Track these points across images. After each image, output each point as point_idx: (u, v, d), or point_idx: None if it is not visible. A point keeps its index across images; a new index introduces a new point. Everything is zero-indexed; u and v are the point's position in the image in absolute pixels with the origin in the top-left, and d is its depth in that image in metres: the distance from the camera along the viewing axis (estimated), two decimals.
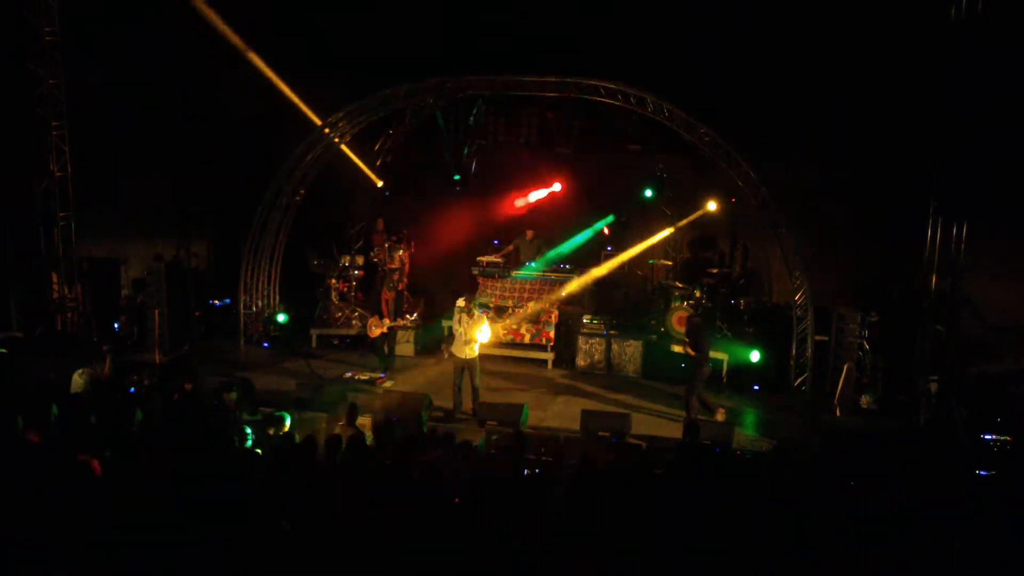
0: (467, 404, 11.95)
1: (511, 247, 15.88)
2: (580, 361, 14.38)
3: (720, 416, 11.81)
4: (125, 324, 14.89)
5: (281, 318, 15.45)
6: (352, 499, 6.32)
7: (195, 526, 5.53)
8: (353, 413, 9.66)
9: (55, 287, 15.29)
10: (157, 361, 13.05)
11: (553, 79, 13.49)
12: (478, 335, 11.81)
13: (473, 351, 11.82)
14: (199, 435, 7.78)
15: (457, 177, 16.46)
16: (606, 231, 16.75)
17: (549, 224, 16.38)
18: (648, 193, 15.65)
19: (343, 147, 15.05)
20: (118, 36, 14.88)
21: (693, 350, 11.98)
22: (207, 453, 7.10)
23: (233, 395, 9.64)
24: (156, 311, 13.86)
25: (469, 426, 11.18)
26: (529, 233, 15.90)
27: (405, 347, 14.75)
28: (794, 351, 13.40)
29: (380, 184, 15.88)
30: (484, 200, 16.90)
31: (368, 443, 8.75)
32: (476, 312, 12.06)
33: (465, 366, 11.85)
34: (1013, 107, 11.41)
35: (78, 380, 10.05)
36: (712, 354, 13.70)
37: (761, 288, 15.66)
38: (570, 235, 16.29)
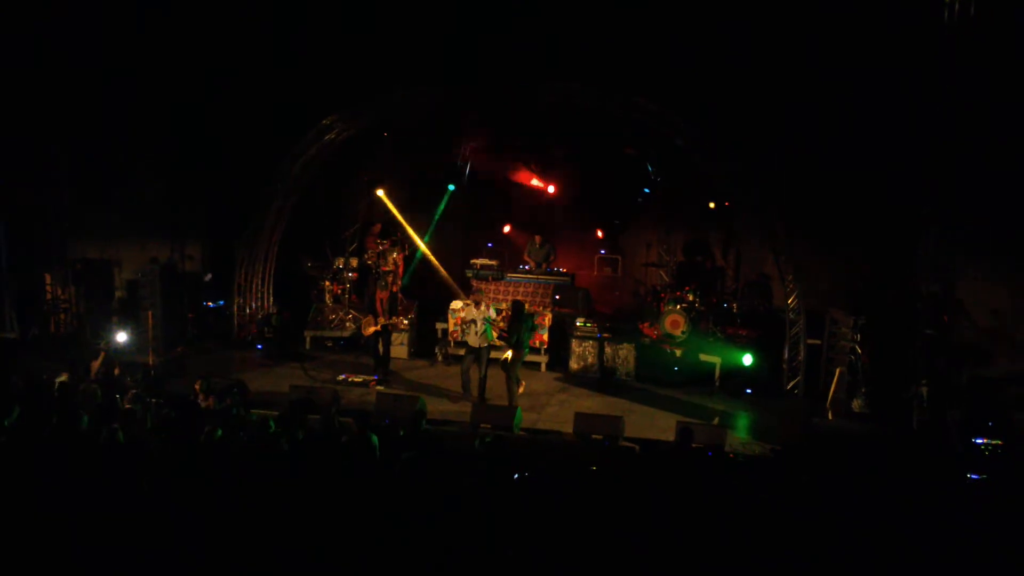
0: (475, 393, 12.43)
1: (526, 254, 16.06)
2: (573, 364, 14.39)
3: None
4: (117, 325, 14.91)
5: None
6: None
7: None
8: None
9: (48, 288, 15.29)
10: (151, 363, 13.04)
11: (547, 86, 13.53)
12: (492, 314, 12.50)
13: (485, 340, 12.35)
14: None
15: (452, 188, 16.49)
16: (600, 234, 16.82)
17: (544, 227, 16.45)
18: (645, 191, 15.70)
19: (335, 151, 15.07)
20: (113, 36, 14.87)
21: (508, 331, 12.35)
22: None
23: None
24: (149, 313, 13.86)
25: (463, 428, 11.20)
26: (538, 238, 16.04)
27: (399, 349, 14.74)
28: (787, 355, 13.46)
29: (379, 191, 15.87)
30: (478, 202, 16.94)
31: None
32: (483, 304, 12.56)
33: (476, 354, 12.38)
34: (1006, 111, 11.47)
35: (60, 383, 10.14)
36: (705, 358, 13.84)
37: (756, 292, 15.71)
38: (563, 237, 16.39)
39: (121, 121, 15.28)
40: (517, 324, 12.16)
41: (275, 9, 14.86)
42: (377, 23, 14.33)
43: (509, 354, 12.03)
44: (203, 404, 10.33)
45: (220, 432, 7.71)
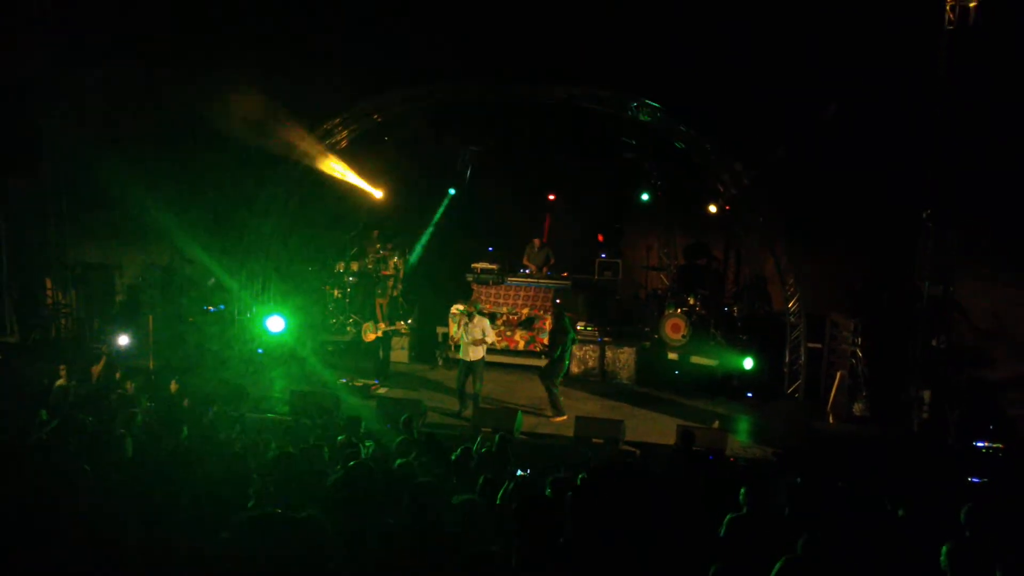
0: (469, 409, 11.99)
1: (526, 258, 15.98)
2: (574, 368, 14.35)
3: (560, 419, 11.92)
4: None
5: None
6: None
7: None
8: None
9: (49, 293, 15.29)
10: (150, 367, 13.03)
11: (547, 87, 13.52)
12: (484, 335, 11.98)
13: (478, 353, 11.94)
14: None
15: (452, 191, 16.46)
16: (600, 237, 16.80)
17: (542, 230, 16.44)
18: (644, 198, 15.66)
19: (337, 155, 15.04)
20: (113, 39, 14.88)
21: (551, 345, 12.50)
22: None
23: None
24: (150, 317, 13.85)
25: (463, 433, 11.16)
26: (536, 242, 15.99)
27: (399, 353, 14.72)
28: (787, 358, 13.41)
29: (377, 193, 15.86)
30: (478, 206, 16.91)
31: None
32: (476, 316, 12.14)
33: (469, 368, 11.96)
34: (1006, 111, 11.45)
35: (58, 387, 10.17)
36: (705, 361, 13.81)
37: (756, 295, 15.66)
38: (564, 241, 16.34)
39: (123, 122, 15.25)
40: (560, 336, 12.14)
41: (274, 9, 14.86)
42: (378, 23, 14.33)
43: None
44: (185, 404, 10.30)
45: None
